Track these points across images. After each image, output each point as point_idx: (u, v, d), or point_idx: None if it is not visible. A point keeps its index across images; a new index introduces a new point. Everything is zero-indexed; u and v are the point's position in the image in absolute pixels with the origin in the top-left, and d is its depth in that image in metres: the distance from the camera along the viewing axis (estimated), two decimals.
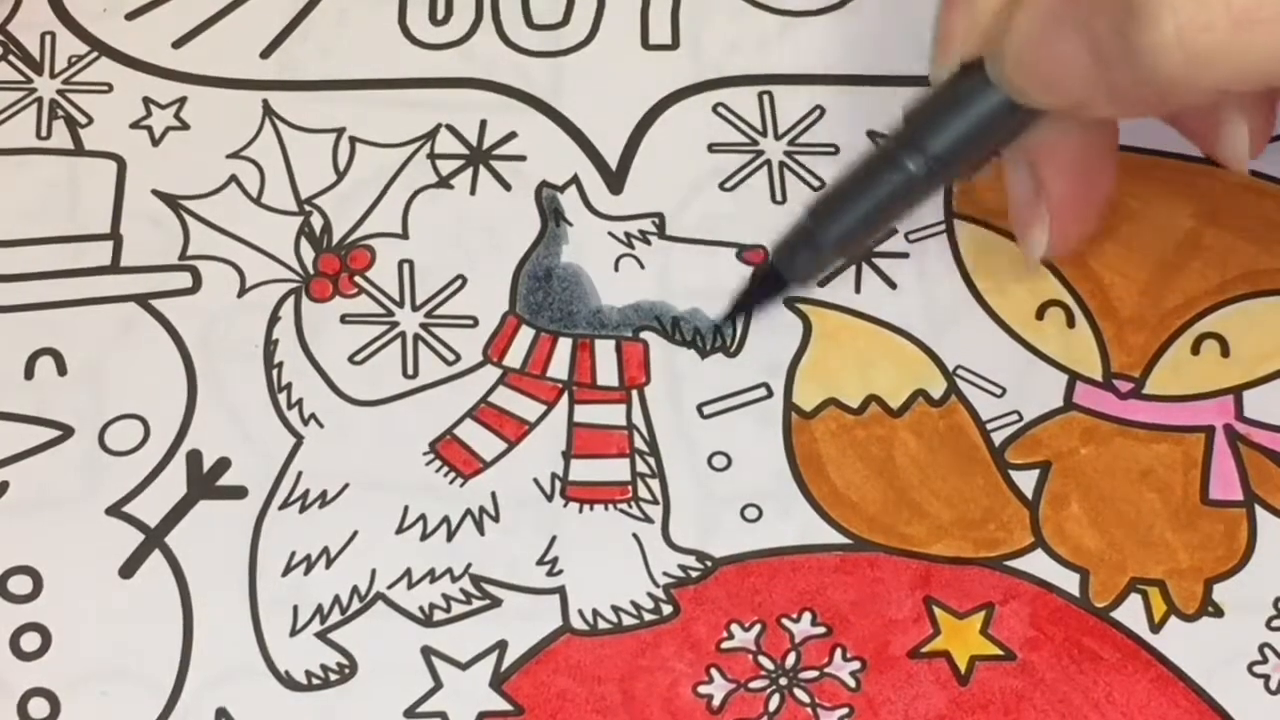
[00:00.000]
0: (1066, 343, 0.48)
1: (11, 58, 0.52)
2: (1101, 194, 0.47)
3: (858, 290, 0.49)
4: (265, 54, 0.52)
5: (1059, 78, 0.41)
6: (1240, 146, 0.44)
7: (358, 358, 0.48)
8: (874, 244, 0.48)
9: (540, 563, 0.46)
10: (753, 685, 0.44)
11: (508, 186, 0.50)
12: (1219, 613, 0.45)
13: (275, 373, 0.48)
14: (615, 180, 0.50)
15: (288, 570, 0.46)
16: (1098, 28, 0.39)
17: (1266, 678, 0.45)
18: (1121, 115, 0.44)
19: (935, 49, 0.44)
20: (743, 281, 0.47)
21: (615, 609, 0.45)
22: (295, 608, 0.45)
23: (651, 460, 0.47)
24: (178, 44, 0.52)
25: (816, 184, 0.50)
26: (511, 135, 0.51)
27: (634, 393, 0.48)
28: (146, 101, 0.51)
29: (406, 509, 0.46)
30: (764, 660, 0.45)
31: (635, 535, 0.46)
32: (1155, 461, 0.47)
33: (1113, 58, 0.39)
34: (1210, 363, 0.48)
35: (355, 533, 0.46)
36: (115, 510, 0.46)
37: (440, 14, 0.53)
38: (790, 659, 0.45)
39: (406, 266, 0.49)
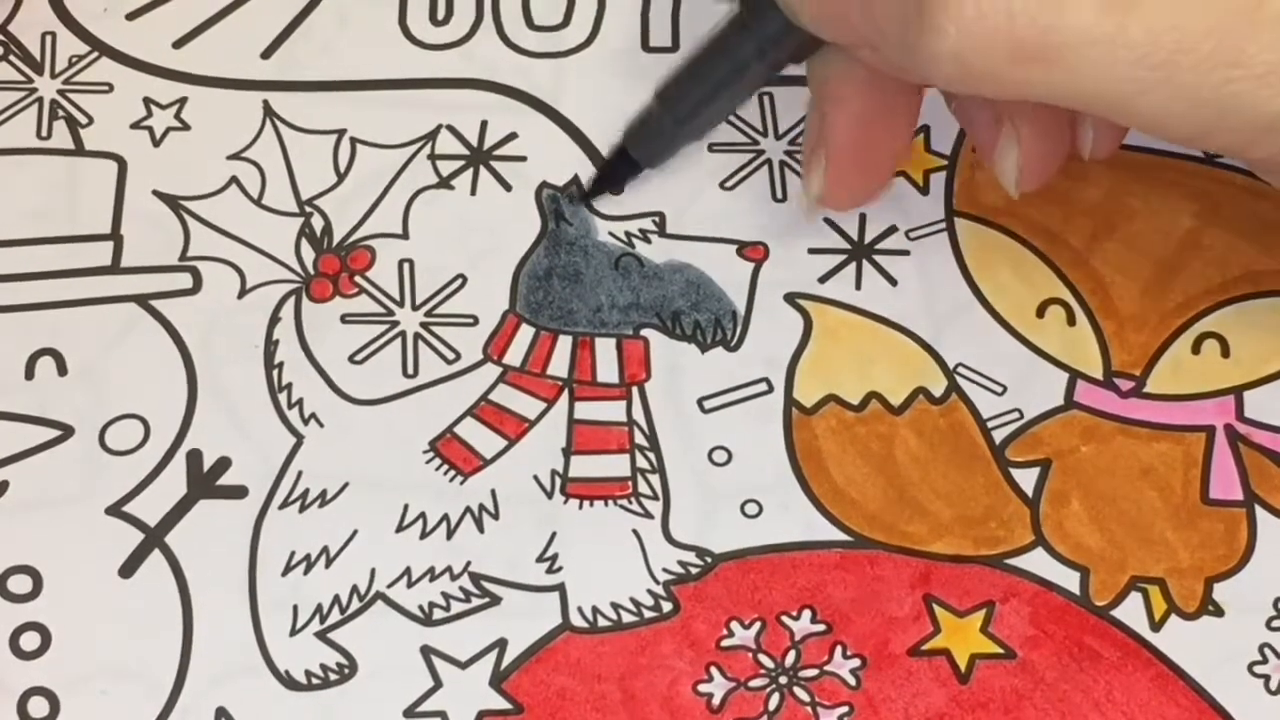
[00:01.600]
0: (1067, 341, 0.48)
1: (12, 58, 0.52)
2: (888, 150, 0.46)
3: (858, 287, 0.49)
4: (266, 54, 0.52)
5: (835, 17, 0.41)
6: (1008, 168, 0.44)
7: (358, 357, 0.48)
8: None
9: (540, 560, 0.46)
10: (752, 684, 0.44)
11: (508, 187, 0.50)
12: (1219, 612, 0.45)
13: (275, 373, 0.48)
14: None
15: (288, 570, 0.46)
16: (884, 18, 0.39)
17: (1266, 678, 0.44)
18: (887, 71, 0.42)
19: None
20: (599, 162, 0.49)
21: (615, 606, 0.45)
22: (295, 607, 0.45)
23: (652, 456, 0.47)
24: (178, 44, 0.52)
25: None
26: (512, 136, 0.51)
27: (634, 389, 0.48)
28: (147, 102, 0.51)
29: (406, 507, 0.46)
30: (764, 658, 0.45)
31: (635, 531, 0.46)
32: (1156, 460, 0.47)
33: (892, 38, 0.39)
34: (1211, 362, 0.48)
35: (355, 532, 0.46)
36: (115, 510, 0.46)
37: (440, 15, 0.53)
38: (790, 657, 0.45)
39: (407, 266, 0.49)
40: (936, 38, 0.38)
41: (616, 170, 0.47)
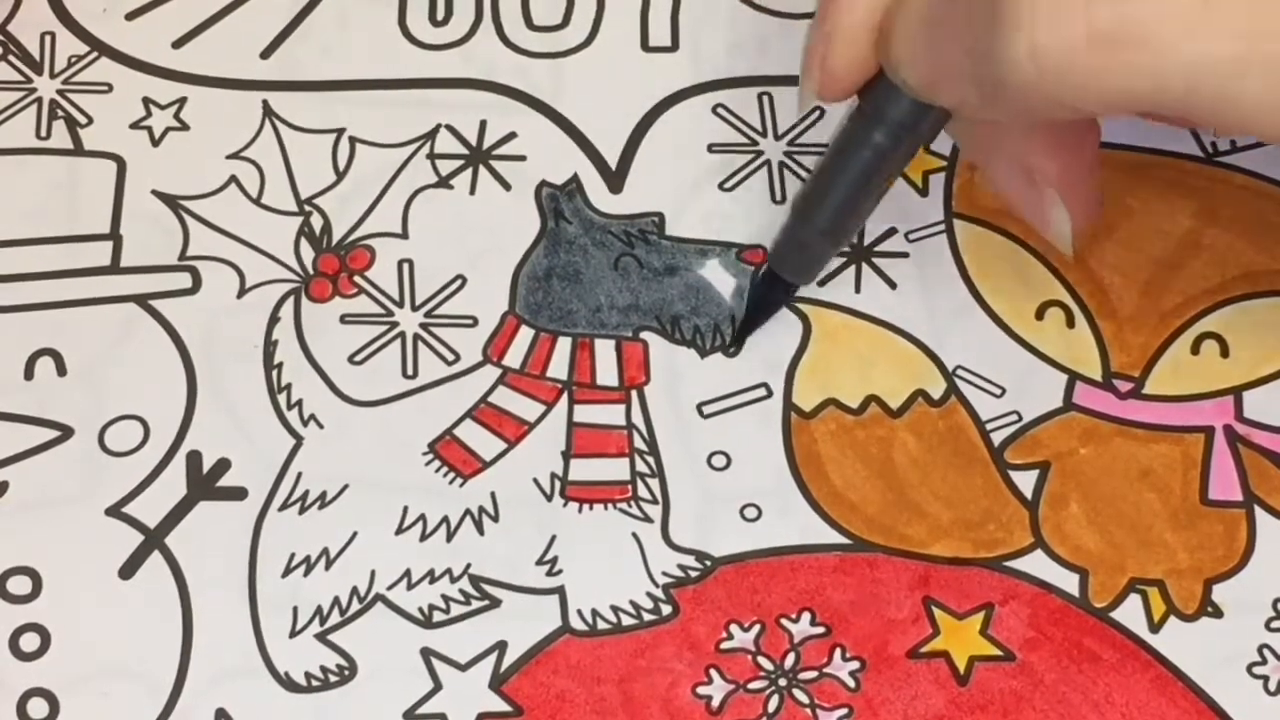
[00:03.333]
0: (1066, 343, 0.48)
1: (11, 58, 0.52)
2: (1092, 150, 0.45)
3: (858, 290, 0.49)
4: (265, 54, 0.52)
5: (938, 78, 0.41)
6: (1063, 232, 0.44)
7: (357, 358, 0.48)
8: (862, 222, 0.47)
9: (540, 563, 0.46)
10: (752, 686, 0.44)
11: (507, 186, 0.50)
12: (1218, 613, 0.45)
13: (275, 373, 0.48)
14: (615, 180, 0.50)
15: (287, 571, 0.46)
16: (968, 33, 0.38)
17: (1266, 678, 0.45)
18: (998, 118, 0.42)
19: (801, 83, 0.44)
20: (746, 295, 0.48)
21: (615, 609, 0.45)
22: (295, 609, 0.45)
23: (651, 460, 0.47)
24: (178, 44, 0.52)
25: None
26: (511, 135, 0.51)
27: (633, 392, 0.48)
28: (146, 102, 0.51)
29: (406, 509, 0.46)
30: (763, 661, 0.45)
31: (635, 535, 0.46)
32: (1155, 462, 0.47)
33: (980, 65, 0.38)
34: (1210, 363, 0.48)
35: (355, 533, 0.46)
36: (115, 511, 0.46)
37: (440, 15, 0.53)
38: (789, 659, 0.45)
39: (406, 266, 0.49)
40: (1011, 40, 0.37)
41: (771, 295, 0.48)
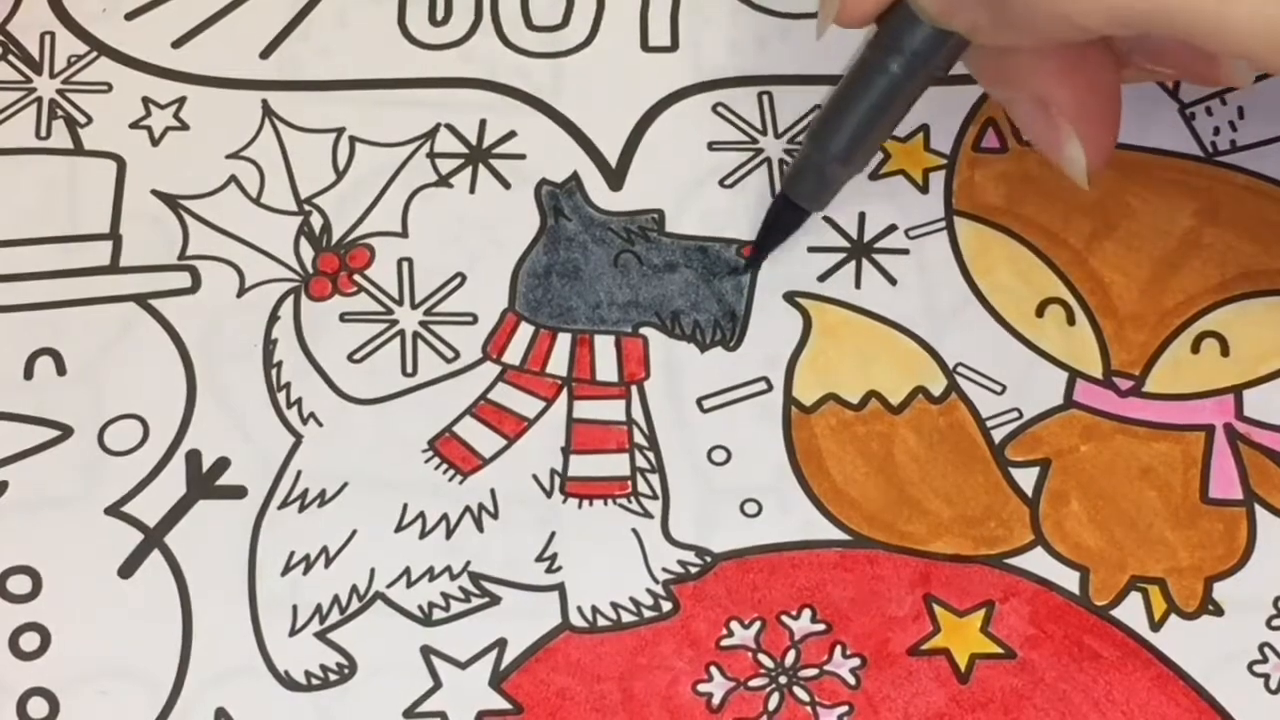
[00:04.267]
0: (1067, 340, 0.48)
1: (11, 57, 0.52)
2: (1107, 80, 0.45)
3: (858, 286, 0.49)
4: (265, 54, 0.52)
5: (952, 3, 0.42)
6: (1077, 163, 0.44)
7: (357, 356, 0.48)
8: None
9: (539, 559, 0.46)
10: (752, 683, 0.44)
11: (507, 185, 0.50)
12: (1219, 611, 0.45)
13: (274, 372, 0.48)
14: (615, 178, 0.50)
15: (287, 570, 0.46)
16: None
17: (1266, 676, 0.44)
18: (1010, 42, 0.43)
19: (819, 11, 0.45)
20: (765, 216, 0.49)
21: (615, 606, 0.45)
22: (295, 607, 0.45)
23: (651, 455, 0.47)
24: (177, 44, 0.52)
25: None
26: (511, 134, 0.51)
27: (633, 388, 0.48)
28: (146, 101, 0.51)
29: (405, 507, 0.46)
30: (763, 658, 0.45)
31: (635, 530, 0.46)
32: (1155, 460, 0.47)
33: None
34: (1210, 362, 0.48)
35: (354, 532, 0.46)
36: (114, 510, 0.46)
37: (439, 15, 0.53)
38: (790, 657, 0.45)
39: (406, 265, 0.49)
40: None
41: (783, 219, 0.48)
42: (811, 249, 0.49)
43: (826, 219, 0.49)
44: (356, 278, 0.49)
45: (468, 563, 0.46)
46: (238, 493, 0.46)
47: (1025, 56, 0.44)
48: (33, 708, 0.44)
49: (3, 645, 0.45)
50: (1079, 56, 0.44)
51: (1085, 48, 0.44)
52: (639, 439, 0.47)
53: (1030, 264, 0.49)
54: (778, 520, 0.46)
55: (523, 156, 0.51)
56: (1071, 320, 0.48)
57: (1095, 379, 0.48)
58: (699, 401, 0.47)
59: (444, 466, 0.47)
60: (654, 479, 0.47)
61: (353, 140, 0.51)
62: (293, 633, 0.45)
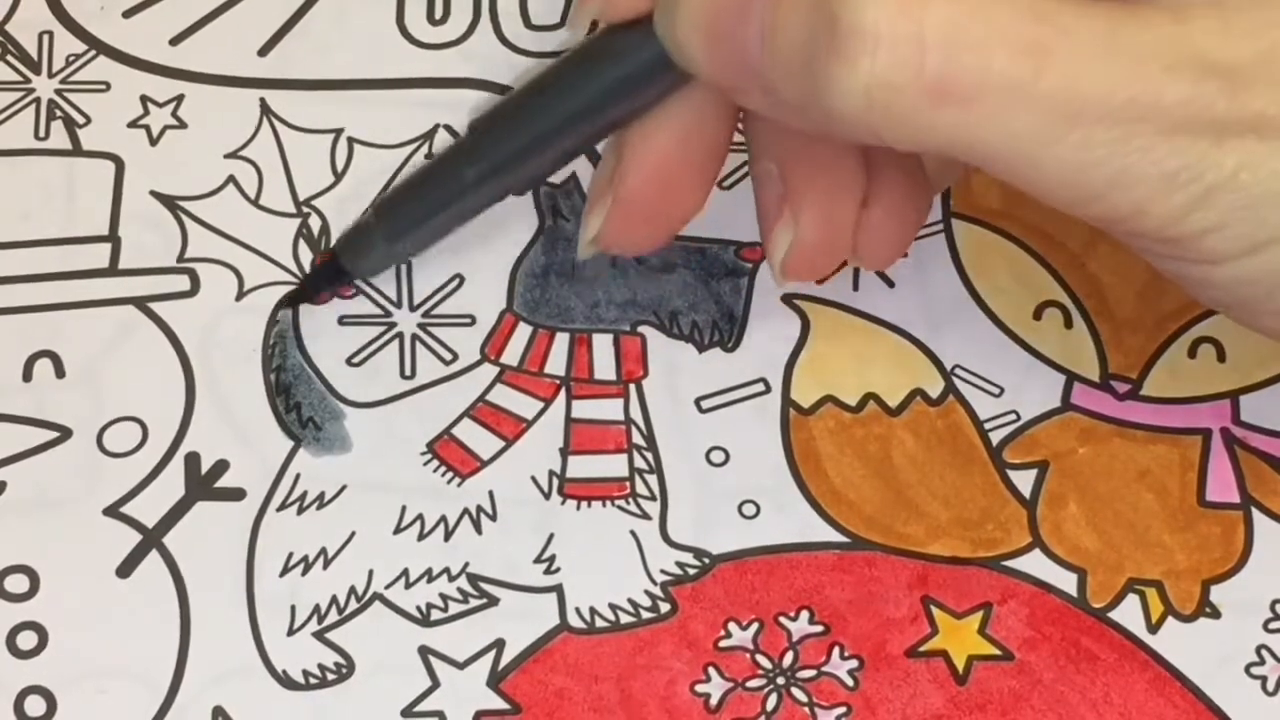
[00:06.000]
0: (1064, 343, 0.48)
1: (9, 58, 0.52)
2: (678, 212, 0.44)
3: (855, 288, 0.49)
4: (263, 52, 0.52)
5: (729, 62, 0.39)
6: (778, 252, 0.43)
7: (355, 359, 0.48)
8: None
9: (538, 561, 0.46)
10: (750, 684, 0.44)
11: None
12: (1216, 614, 0.45)
13: (273, 375, 0.48)
14: None
15: (285, 571, 0.46)
16: (789, 45, 0.37)
17: (1264, 679, 0.45)
18: (777, 119, 0.40)
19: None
20: (307, 270, 0.49)
21: (613, 607, 0.45)
22: (293, 608, 0.45)
23: (649, 455, 0.47)
24: (175, 41, 0.52)
25: None
26: None
27: (631, 387, 0.48)
28: (144, 100, 0.51)
29: (404, 509, 0.46)
30: (761, 659, 0.45)
31: (633, 532, 0.46)
32: (1152, 462, 0.47)
33: (795, 75, 0.37)
34: (1207, 366, 0.48)
35: (353, 533, 0.46)
36: (113, 511, 0.46)
37: (438, 14, 0.53)
38: (788, 658, 0.45)
39: (404, 267, 0.49)
40: (848, 70, 0.35)
41: (324, 277, 0.48)
42: None
43: None
44: (355, 280, 0.49)
45: (466, 564, 0.46)
46: (236, 495, 0.46)
47: (783, 138, 0.42)
48: (30, 706, 0.44)
49: (0, 643, 0.45)
50: (825, 151, 0.42)
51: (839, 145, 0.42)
52: (637, 439, 0.47)
53: (1028, 267, 0.49)
54: (776, 522, 0.46)
55: None
56: (1069, 323, 0.48)
57: (1093, 382, 0.48)
58: (697, 402, 0.47)
59: (442, 469, 0.47)
60: (652, 480, 0.47)
61: (351, 141, 0.51)
62: (291, 632, 0.45)
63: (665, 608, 0.45)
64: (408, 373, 0.48)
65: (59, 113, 0.51)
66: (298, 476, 0.46)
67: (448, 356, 0.48)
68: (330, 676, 0.45)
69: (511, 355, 0.48)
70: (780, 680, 0.44)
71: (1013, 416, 0.47)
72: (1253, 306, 0.40)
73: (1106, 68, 0.36)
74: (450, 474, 0.47)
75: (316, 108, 0.51)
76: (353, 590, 0.45)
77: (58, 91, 0.51)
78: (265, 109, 0.51)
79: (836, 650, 0.45)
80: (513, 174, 0.44)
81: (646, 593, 0.45)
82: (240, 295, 0.49)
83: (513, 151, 0.43)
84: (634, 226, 0.44)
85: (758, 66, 0.38)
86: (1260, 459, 0.47)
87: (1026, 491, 0.46)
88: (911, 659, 0.45)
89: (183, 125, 0.51)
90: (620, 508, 0.46)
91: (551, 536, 0.46)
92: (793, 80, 0.37)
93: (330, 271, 0.48)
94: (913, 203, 0.44)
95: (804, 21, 0.36)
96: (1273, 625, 0.45)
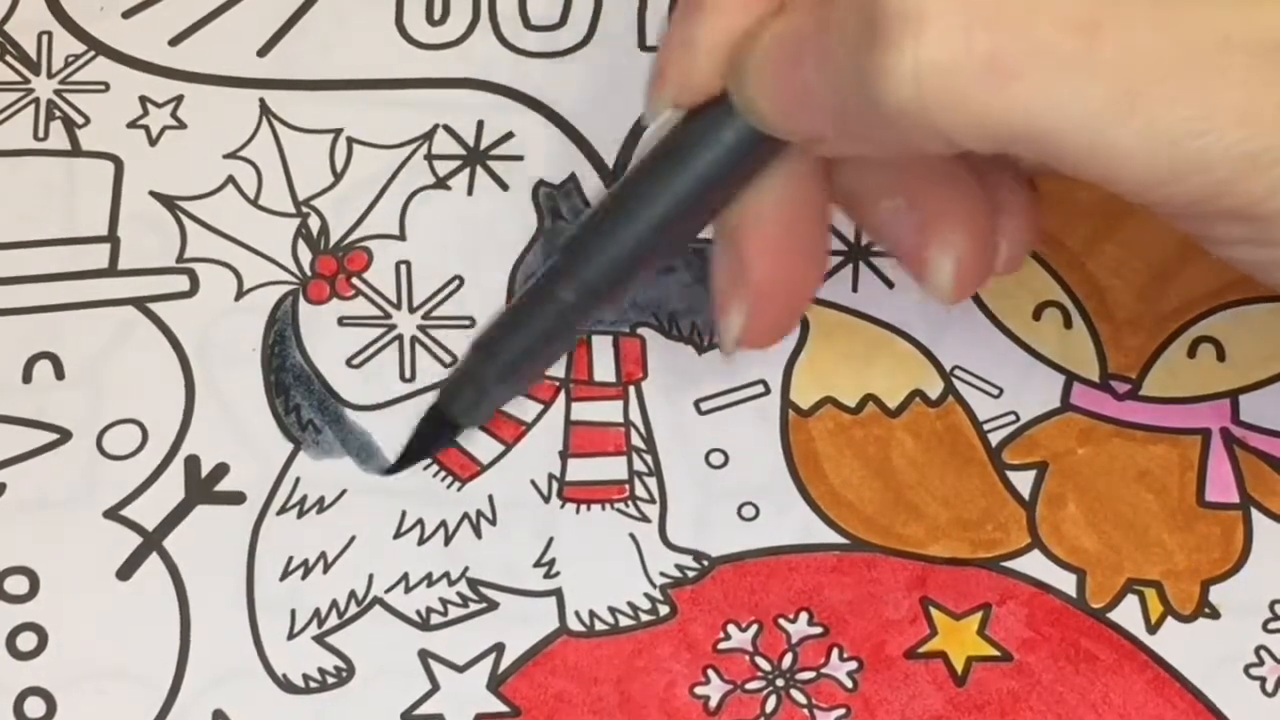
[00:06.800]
0: (1064, 343, 0.48)
1: (9, 58, 0.52)
2: (808, 286, 0.43)
3: (855, 289, 0.49)
4: (262, 52, 0.52)
5: (796, 104, 0.38)
6: (944, 277, 0.41)
7: (355, 361, 0.48)
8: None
9: (537, 564, 0.46)
10: (749, 686, 0.44)
11: (505, 186, 0.50)
12: (1215, 614, 0.45)
13: (273, 377, 0.48)
14: (613, 179, 0.50)
15: (285, 575, 0.46)
16: (839, 51, 0.36)
17: (1263, 679, 0.45)
18: (856, 151, 0.39)
19: (650, 89, 0.41)
20: (414, 429, 0.47)
21: (612, 610, 0.45)
22: (293, 611, 0.45)
23: (649, 458, 0.47)
24: (174, 41, 0.52)
25: None
26: (509, 135, 0.51)
27: (631, 388, 0.48)
28: (143, 100, 0.51)
29: (404, 513, 0.46)
30: (760, 661, 0.45)
31: (632, 535, 0.46)
32: (1152, 463, 0.47)
33: (848, 83, 0.36)
34: (1206, 366, 0.48)
35: (353, 538, 0.46)
36: (113, 513, 0.46)
37: (437, 14, 0.53)
38: (787, 660, 0.45)
39: (404, 268, 0.49)
40: (895, 56, 0.34)
41: (436, 437, 0.46)
42: None
43: None
44: (354, 281, 0.49)
45: (466, 568, 0.46)
46: (236, 498, 0.46)
47: (754, 216, 0.41)
48: (30, 707, 0.45)
49: (0, 645, 0.45)
50: (796, 236, 0.41)
51: (813, 234, 0.42)
52: (636, 441, 0.47)
53: (1028, 267, 0.49)
54: (775, 523, 0.46)
55: (520, 158, 0.50)
56: (1068, 323, 0.48)
57: (1092, 382, 0.48)
58: (697, 404, 0.47)
59: (442, 473, 0.47)
60: (651, 483, 0.47)
61: (350, 141, 0.51)
62: (291, 636, 0.45)
63: (664, 610, 0.45)
64: (407, 375, 0.48)
65: (58, 113, 0.51)
66: (298, 480, 0.47)
67: (447, 359, 0.48)
68: (330, 680, 0.45)
69: None
70: (779, 682, 0.45)
71: (1012, 417, 0.47)
72: None
73: (1158, 40, 0.34)
74: (450, 478, 0.47)
75: (316, 108, 0.51)
76: (353, 594, 0.45)
77: (57, 92, 0.51)
78: (264, 109, 0.51)
79: (836, 652, 0.45)
80: (606, 290, 0.42)
81: (646, 595, 0.45)
82: (239, 295, 0.49)
83: (610, 264, 0.41)
84: (775, 314, 0.42)
85: (820, 99, 0.37)
86: (1260, 459, 0.47)
87: (1026, 492, 0.46)
88: (910, 660, 0.45)
89: (182, 125, 0.51)
90: (620, 511, 0.46)
91: (551, 540, 0.46)
92: (847, 87, 0.36)
93: (442, 429, 0.46)
94: (1029, 201, 0.42)
95: (851, 30, 0.36)
96: (1272, 626, 0.45)
